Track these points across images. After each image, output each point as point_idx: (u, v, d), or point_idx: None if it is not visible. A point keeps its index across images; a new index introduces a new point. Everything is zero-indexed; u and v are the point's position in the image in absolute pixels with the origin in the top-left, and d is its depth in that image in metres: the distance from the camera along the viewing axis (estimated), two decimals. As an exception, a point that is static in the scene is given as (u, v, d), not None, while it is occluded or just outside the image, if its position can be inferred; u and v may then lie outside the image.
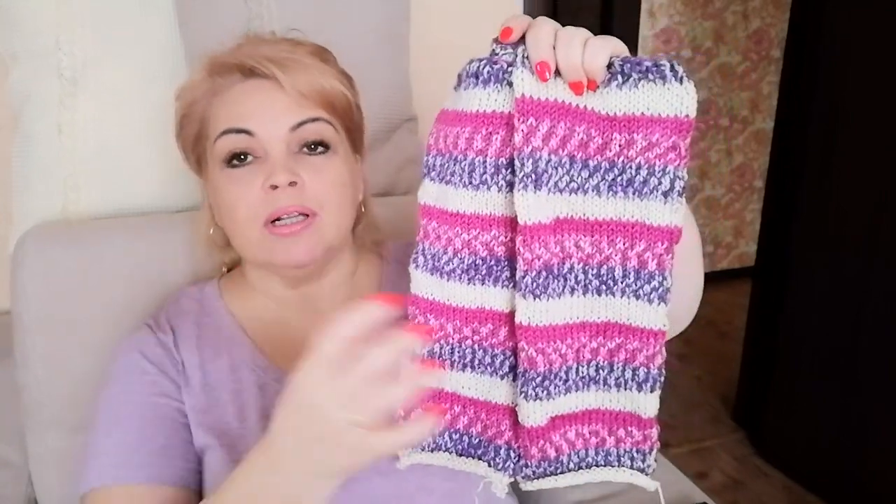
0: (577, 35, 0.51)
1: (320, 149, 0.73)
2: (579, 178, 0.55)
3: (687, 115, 0.52)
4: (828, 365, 1.88)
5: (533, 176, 0.53)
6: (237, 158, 0.72)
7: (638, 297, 0.56)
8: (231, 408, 0.73)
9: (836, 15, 1.75)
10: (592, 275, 0.57)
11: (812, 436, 1.95)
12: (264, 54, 0.73)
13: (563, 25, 0.52)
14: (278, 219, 0.71)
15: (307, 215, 0.71)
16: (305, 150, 0.73)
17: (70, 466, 0.93)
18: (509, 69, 0.52)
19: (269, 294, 0.80)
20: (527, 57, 0.52)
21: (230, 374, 0.75)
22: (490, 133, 0.53)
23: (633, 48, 2.84)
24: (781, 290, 2.00)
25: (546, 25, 0.52)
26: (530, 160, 0.52)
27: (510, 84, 0.52)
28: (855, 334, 1.80)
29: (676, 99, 0.51)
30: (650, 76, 0.51)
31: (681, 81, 0.51)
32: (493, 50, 0.54)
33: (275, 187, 0.70)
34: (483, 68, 0.53)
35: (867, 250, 1.75)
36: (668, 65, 0.51)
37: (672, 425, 2.30)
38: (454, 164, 0.55)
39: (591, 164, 0.55)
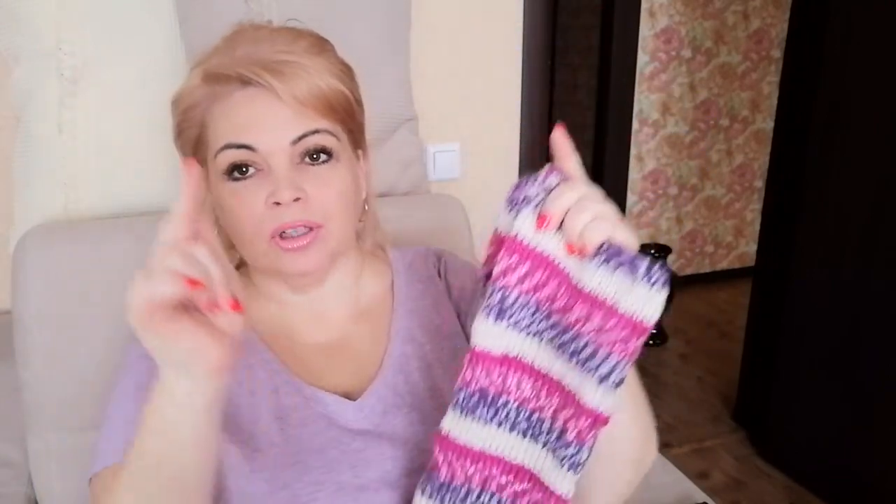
0: (592, 208, 0.52)
1: (323, 157, 0.73)
2: (540, 325, 0.56)
3: (643, 320, 0.51)
4: (828, 365, 1.88)
5: (499, 307, 0.55)
6: (239, 171, 0.72)
7: (554, 456, 0.57)
8: (244, 408, 0.73)
9: (837, 15, 1.75)
10: (523, 417, 0.58)
11: (813, 436, 1.95)
12: (259, 60, 0.72)
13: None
14: (284, 231, 0.71)
15: (312, 228, 0.71)
16: (308, 159, 0.73)
17: (70, 465, 0.93)
18: (524, 201, 0.54)
19: (275, 299, 0.80)
20: (542, 201, 0.53)
21: (246, 373, 0.75)
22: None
23: (633, 48, 2.84)
24: (781, 290, 2.00)
25: (575, 189, 0.53)
26: (500, 293, 0.55)
27: (517, 213, 0.54)
28: (855, 334, 1.80)
29: (640, 300, 0.51)
30: (624, 267, 0.51)
31: (652, 285, 0.50)
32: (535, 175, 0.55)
33: (279, 203, 0.70)
34: (515, 191, 0.55)
35: (867, 250, 1.75)
36: (645, 265, 0.50)
37: (673, 425, 2.30)
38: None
39: (553, 318, 0.56)
